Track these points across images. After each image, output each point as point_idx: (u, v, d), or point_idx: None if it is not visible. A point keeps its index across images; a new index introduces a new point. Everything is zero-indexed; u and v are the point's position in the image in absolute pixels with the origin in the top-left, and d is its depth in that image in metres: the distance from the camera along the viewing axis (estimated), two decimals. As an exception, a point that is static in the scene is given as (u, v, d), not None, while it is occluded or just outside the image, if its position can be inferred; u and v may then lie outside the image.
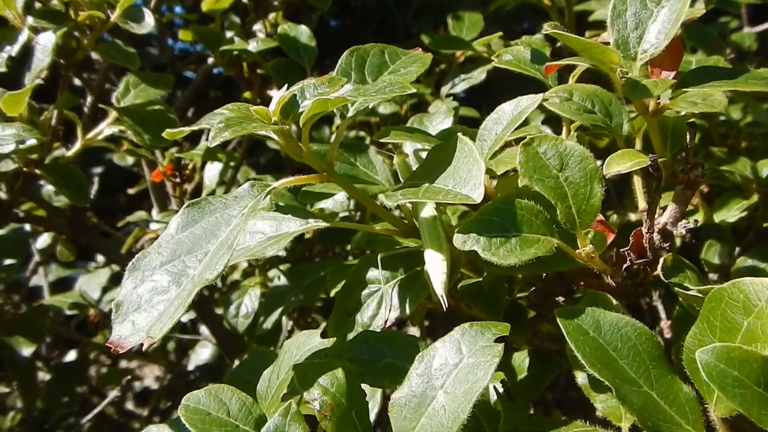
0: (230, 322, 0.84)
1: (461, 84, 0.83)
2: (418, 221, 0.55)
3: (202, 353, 1.17)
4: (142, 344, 0.41)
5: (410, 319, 0.55)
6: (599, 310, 0.42)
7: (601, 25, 1.05)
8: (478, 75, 0.81)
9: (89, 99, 0.93)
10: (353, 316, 0.56)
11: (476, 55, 1.03)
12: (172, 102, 1.22)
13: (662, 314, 0.75)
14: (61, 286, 1.60)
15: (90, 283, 1.47)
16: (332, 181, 0.56)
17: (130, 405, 1.50)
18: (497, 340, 0.44)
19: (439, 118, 0.78)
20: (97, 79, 0.98)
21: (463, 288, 0.59)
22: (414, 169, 0.62)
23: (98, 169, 1.94)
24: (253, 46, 0.92)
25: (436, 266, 0.51)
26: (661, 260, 0.47)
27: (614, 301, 0.46)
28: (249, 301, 0.84)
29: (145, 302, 0.44)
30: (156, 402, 1.24)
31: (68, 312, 1.18)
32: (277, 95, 0.54)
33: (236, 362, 0.74)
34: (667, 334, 0.72)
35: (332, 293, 0.69)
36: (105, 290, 1.49)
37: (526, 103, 0.57)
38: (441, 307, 0.52)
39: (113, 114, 0.77)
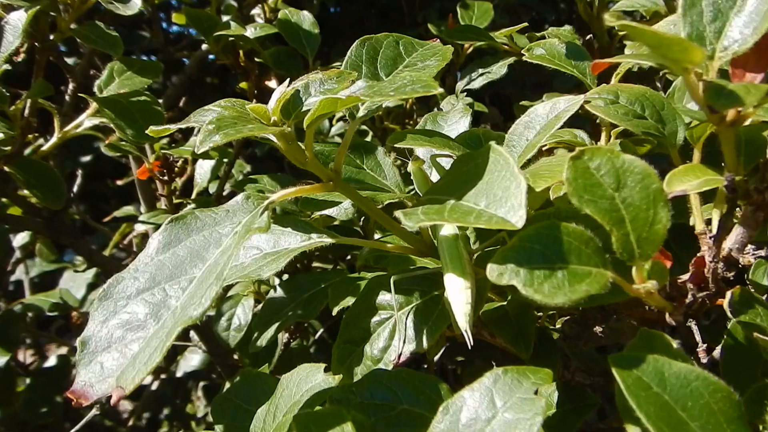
0: (221, 336, 0.77)
1: (479, 79, 0.75)
2: (437, 239, 0.48)
3: (192, 359, 1.10)
4: (110, 396, 0.34)
5: (427, 352, 0.48)
6: (662, 359, 0.35)
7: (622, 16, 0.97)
8: (498, 69, 0.74)
9: (71, 86, 0.86)
10: (361, 347, 0.49)
11: (486, 46, 0.95)
12: (164, 89, 1.13)
13: (696, 335, 0.67)
14: (48, 281, 1.52)
15: (75, 280, 1.39)
16: (339, 190, 0.48)
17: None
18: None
19: (455, 117, 0.71)
20: (81, 64, 0.90)
21: (486, 314, 0.52)
22: (433, 179, 0.55)
23: (87, 158, 1.85)
24: (250, 32, 0.84)
25: (458, 295, 0.44)
26: (728, 294, 0.40)
27: (674, 344, 0.39)
28: (242, 312, 0.77)
29: (116, 340, 0.37)
30: (142, 410, 1.17)
31: (49, 313, 1.11)
32: (278, 91, 0.47)
33: (227, 385, 0.67)
34: (703, 359, 0.65)
35: (334, 311, 0.62)
36: (91, 287, 1.42)
37: (564, 105, 0.50)
38: (462, 338, 0.45)
39: (94, 105, 0.69)
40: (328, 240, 0.50)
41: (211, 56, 1.19)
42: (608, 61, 0.46)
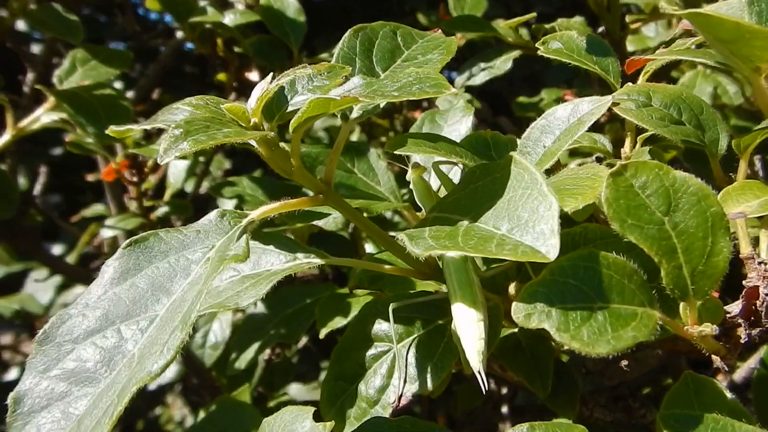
0: (195, 354, 0.70)
1: (481, 74, 0.69)
2: (442, 260, 0.42)
3: (167, 371, 1.02)
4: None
5: (432, 393, 0.41)
6: (723, 420, 0.29)
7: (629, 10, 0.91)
8: (502, 64, 0.68)
9: (30, 76, 0.78)
10: (355, 385, 0.42)
11: (479, 39, 0.89)
12: (136, 80, 1.05)
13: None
14: (14, 282, 1.43)
15: (43, 283, 1.31)
16: (330, 204, 0.41)
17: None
18: None
19: (455, 117, 0.64)
20: (42, 52, 0.82)
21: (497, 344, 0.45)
22: (437, 191, 0.48)
23: (58, 150, 1.76)
24: (229, 18, 0.77)
25: (469, 329, 0.38)
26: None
27: (728, 394, 0.33)
28: (218, 328, 0.70)
29: (59, 396, 0.30)
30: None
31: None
32: (259, 88, 0.40)
33: (201, 414, 0.60)
34: (723, 382, 0.59)
35: (322, 334, 0.55)
36: (61, 289, 1.34)
37: (588, 108, 0.43)
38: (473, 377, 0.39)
39: (51, 98, 0.62)
40: (316, 261, 0.43)
41: (190, 45, 1.11)
42: (649, 58, 0.39)
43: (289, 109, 0.41)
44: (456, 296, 0.40)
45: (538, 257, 0.30)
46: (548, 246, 0.30)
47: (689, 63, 0.84)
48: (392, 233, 0.70)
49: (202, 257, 0.34)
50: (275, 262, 0.44)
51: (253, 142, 0.40)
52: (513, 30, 0.67)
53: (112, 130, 0.43)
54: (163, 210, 0.78)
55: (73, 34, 0.61)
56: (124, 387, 0.28)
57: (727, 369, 0.34)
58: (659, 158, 0.44)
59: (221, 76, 0.80)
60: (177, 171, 0.82)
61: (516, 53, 0.67)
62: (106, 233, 0.79)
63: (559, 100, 0.89)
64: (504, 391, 0.91)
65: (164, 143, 0.33)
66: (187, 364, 0.85)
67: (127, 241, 0.35)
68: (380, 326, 0.43)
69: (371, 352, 0.43)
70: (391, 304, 0.42)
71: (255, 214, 0.37)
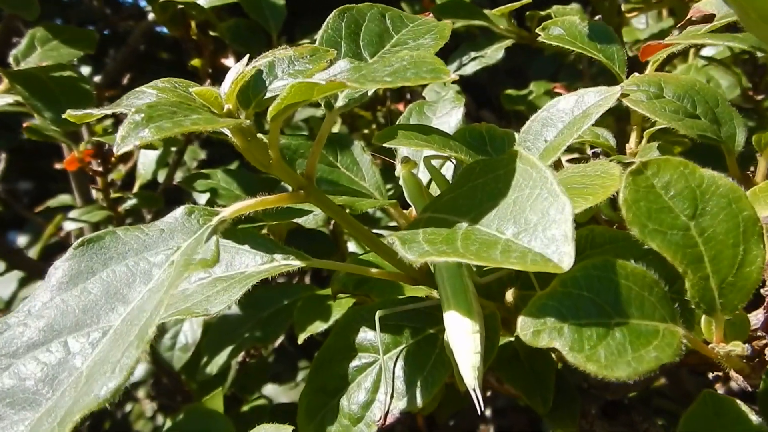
0: (163, 356, 0.65)
1: (471, 64, 0.65)
2: (434, 264, 0.38)
3: (137, 369, 0.97)
4: None
5: (422, 410, 0.38)
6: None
7: None
8: (493, 53, 0.64)
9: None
10: (336, 399, 0.38)
11: (464, 29, 0.85)
12: (104, 65, 1.00)
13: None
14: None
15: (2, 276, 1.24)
16: (311, 201, 0.38)
17: None
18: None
19: (445, 109, 0.61)
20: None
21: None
22: (427, 187, 0.45)
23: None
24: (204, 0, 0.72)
25: (464, 341, 0.34)
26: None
27: (754, 417, 0.30)
28: (189, 329, 0.65)
29: (-9, 421, 0.26)
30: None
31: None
32: (234, 71, 0.36)
33: (168, 423, 0.56)
34: (720, 389, 0.57)
35: (301, 339, 0.51)
36: (25, 282, 1.27)
37: (593, 99, 0.40)
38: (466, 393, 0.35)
39: (5, 80, 0.56)
40: (295, 263, 0.39)
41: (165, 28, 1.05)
42: (668, 43, 0.36)
43: (268, 95, 0.37)
44: (449, 304, 0.36)
45: (550, 267, 0.26)
46: (561, 254, 0.26)
47: (680, 57, 0.81)
48: (377, 231, 0.66)
49: (165, 260, 0.30)
50: (250, 264, 0.40)
51: (226, 131, 0.36)
52: (506, 17, 0.64)
53: (69, 114, 0.39)
54: (131, 202, 0.73)
55: (27, 9, 0.55)
56: (68, 413, 0.24)
57: (750, 389, 0.31)
58: (669, 155, 0.40)
59: (195, 62, 0.75)
60: (147, 161, 0.77)
61: (508, 42, 0.64)
62: (69, 226, 0.73)
63: (549, 93, 0.86)
64: (488, 393, 0.88)
65: (122, 130, 0.29)
66: (157, 363, 0.81)
67: (79, 240, 0.31)
68: (365, 335, 0.40)
69: (355, 363, 0.39)
70: (377, 312, 0.38)
71: (227, 211, 0.32)
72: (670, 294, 0.29)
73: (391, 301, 0.41)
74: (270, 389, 1.08)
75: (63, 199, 1.05)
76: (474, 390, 0.34)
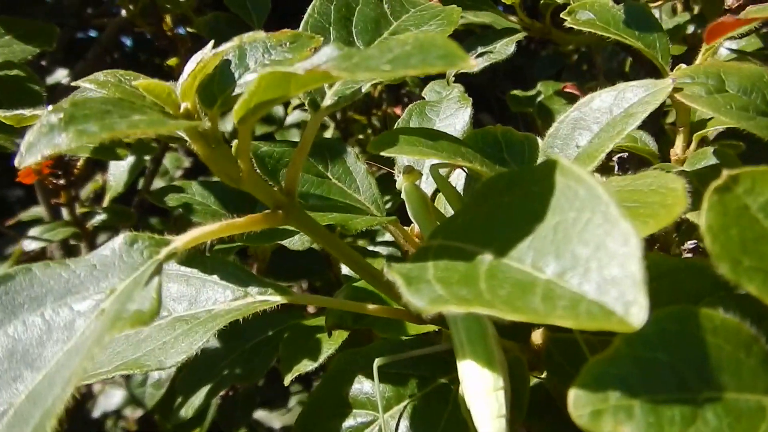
0: (134, 393, 0.58)
1: (479, 60, 0.58)
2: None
3: (112, 396, 0.90)
4: None
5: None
6: None
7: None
8: (503, 48, 0.57)
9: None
10: (326, 468, 0.31)
11: (462, 27, 0.78)
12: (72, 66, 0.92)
13: None
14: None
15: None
16: (292, 224, 0.30)
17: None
18: None
19: (450, 110, 0.53)
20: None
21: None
22: (434, 199, 0.37)
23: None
24: (180, -8, 0.65)
25: (484, 402, 0.27)
26: None
27: None
28: (163, 362, 0.58)
29: None
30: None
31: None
32: (194, 61, 0.28)
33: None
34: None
35: (287, 380, 0.44)
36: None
37: (637, 95, 0.33)
38: None
39: (-54, 80, 0.49)
40: (274, 299, 0.32)
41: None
42: (750, 17, 0.29)
43: (237, 90, 0.29)
44: (464, 351, 0.29)
45: (614, 323, 0.19)
46: (627, 303, 0.19)
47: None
48: (374, 249, 0.58)
49: (93, 308, 0.23)
50: (219, 299, 0.33)
51: (183, 135, 0.28)
52: (517, 6, 0.57)
53: (5, 116, 0.32)
54: (100, 218, 0.66)
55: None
56: None
57: None
58: (730, 163, 0.33)
59: (172, 61, 0.68)
60: (118, 171, 0.69)
61: (520, 35, 0.57)
62: (30, 245, 0.66)
63: (561, 94, 0.79)
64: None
65: (30, 135, 0.21)
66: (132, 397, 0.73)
67: (-17, 282, 0.23)
68: (361, 387, 0.32)
69: (349, 423, 0.32)
70: (375, 362, 0.31)
71: (179, 241, 0.25)
72: None
73: (393, 344, 0.33)
74: (261, 414, 1.00)
75: (35, 211, 0.98)
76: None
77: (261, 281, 0.33)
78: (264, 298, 0.32)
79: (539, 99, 0.81)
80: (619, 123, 0.32)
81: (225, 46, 0.27)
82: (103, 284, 0.23)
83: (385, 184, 0.53)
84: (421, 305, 0.22)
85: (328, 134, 1.07)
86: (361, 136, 1.08)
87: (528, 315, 0.20)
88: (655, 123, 0.50)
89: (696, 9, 0.84)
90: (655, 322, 0.20)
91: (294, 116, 1.09)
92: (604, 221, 0.21)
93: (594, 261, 0.21)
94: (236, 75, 0.30)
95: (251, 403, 0.79)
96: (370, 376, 0.32)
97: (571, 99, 0.77)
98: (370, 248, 0.63)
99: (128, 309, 0.21)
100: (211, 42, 0.29)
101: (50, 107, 0.22)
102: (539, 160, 0.35)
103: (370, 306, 0.33)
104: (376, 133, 1.05)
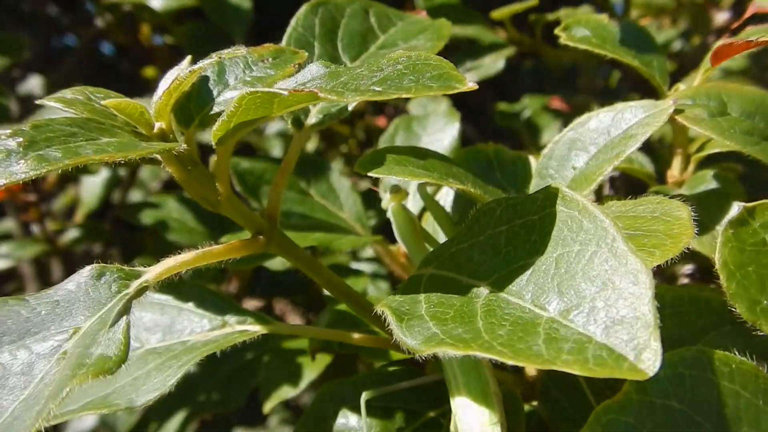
0: (106, 419, 0.55)
1: (467, 75, 0.57)
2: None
3: (85, 420, 0.86)
4: None
5: None
6: None
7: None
8: (492, 63, 0.56)
9: None
10: None
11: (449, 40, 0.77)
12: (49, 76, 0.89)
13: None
14: None
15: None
16: (274, 250, 0.28)
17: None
18: None
19: (437, 124, 0.52)
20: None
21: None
22: (420, 218, 0.36)
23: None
24: (158, 2, 0.63)
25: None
26: None
27: None
28: (138, 385, 0.56)
29: None
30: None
31: None
32: (169, 77, 0.26)
33: None
34: None
35: (267, 408, 0.42)
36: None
37: (637, 116, 0.31)
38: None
39: None
40: (253, 329, 0.30)
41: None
42: (757, 41, 0.27)
43: (215, 109, 0.28)
44: (457, 383, 0.27)
45: (624, 370, 0.17)
46: (639, 349, 0.18)
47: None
48: (358, 267, 0.56)
49: (55, 349, 0.21)
50: (195, 329, 0.31)
51: (157, 157, 0.26)
52: (507, 22, 0.55)
53: None
54: (73, 234, 0.63)
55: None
56: None
57: None
58: (730, 187, 0.32)
59: (149, 72, 0.66)
60: (91, 185, 0.67)
61: (510, 50, 0.56)
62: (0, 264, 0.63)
63: (548, 110, 0.78)
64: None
65: (-14, 162, 0.19)
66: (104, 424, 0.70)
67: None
68: (346, 421, 0.30)
69: (333, 461, 0.30)
70: (363, 395, 0.29)
71: (151, 273, 0.23)
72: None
73: (381, 375, 0.32)
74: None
75: (5, 226, 0.95)
76: None
77: (239, 309, 0.31)
78: (243, 328, 0.30)
79: (527, 115, 0.80)
80: (618, 145, 0.31)
81: (203, 63, 0.26)
82: (66, 323, 0.21)
83: (370, 198, 0.51)
84: (413, 345, 0.20)
85: (311, 145, 1.05)
86: (344, 147, 1.06)
87: (531, 360, 0.18)
88: (646, 142, 0.49)
89: (681, 26, 0.83)
90: (668, 365, 0.19)
91: (276, 125, 1.07)
92: (611, 256, 0.20)
93: (600, 299, 0.19)
94: (215, 92, 0.28)
95: (229, 423, 0.77)
96: (355, 410, 0.30)
97: (558, 114, 0.77)
98: (354, 265, 0.61)
99: (92, 354, 0.19)
100: (188, 57, 0.27)
101: (8, 131, 0.20)
102: (534, 182, 0.34)
103: (356, 335, 0.31)
104: (360, 144, 1.03)
